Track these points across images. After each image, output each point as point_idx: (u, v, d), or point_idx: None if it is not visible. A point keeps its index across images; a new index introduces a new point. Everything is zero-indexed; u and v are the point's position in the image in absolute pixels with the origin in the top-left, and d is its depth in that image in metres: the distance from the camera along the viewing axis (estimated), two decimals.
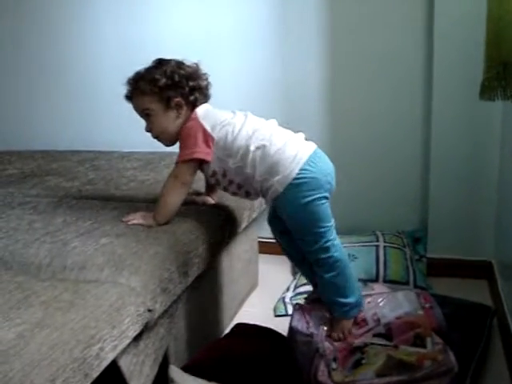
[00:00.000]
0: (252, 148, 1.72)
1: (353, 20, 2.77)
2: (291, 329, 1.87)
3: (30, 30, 3.33)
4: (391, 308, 1.84)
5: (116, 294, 1.39)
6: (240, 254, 2.39)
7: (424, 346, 1.68)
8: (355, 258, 2.49)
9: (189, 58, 1.88)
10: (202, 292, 2.00)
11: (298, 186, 1.69)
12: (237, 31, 2.94)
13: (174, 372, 1.57)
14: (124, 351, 1.38)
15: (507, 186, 2.27)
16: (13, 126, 3.49)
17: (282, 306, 2.40)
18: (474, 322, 2.05)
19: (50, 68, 3.34)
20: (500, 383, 1.86)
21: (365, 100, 2.82)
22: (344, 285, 1.78)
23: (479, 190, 2.54)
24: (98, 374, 1.21)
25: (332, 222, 1.77)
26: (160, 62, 1.85)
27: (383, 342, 1.73)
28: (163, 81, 1.79)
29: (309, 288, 2.24)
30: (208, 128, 1.77)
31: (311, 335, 1.76)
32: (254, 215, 2.35)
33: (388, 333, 1.76)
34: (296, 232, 1.80)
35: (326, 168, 1.76)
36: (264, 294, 2.59)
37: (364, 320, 1.82)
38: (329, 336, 1.77)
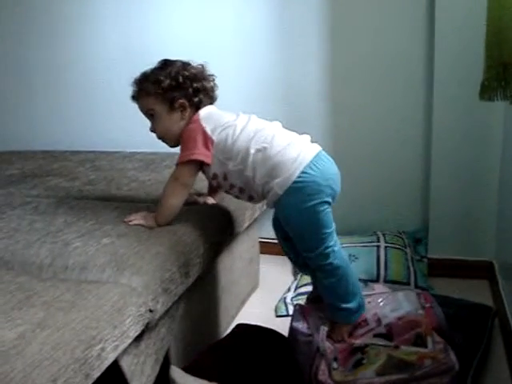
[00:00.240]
0: (252, 150, 1.71)
1: (354, 22, 2.77)
2: (292, 329, 1.87)
3: (31, 30, 3.33)
4: (392, 308, 1.85)
5: (117, 294, 1.39)
6: (241, 254, 2.39)
7: (425, 346, 1.68)
8: (356, 258, 2.49)
9: (188, 59, 1.88)
10: (203, 292, 2.00)
11: (298, 190, 1.67)
12: (238, 32, 2.94)
13: (175, 372, 1.57)
14: (125, 351, 1.38)
15: (508, 186, 2.27)
16: (13, 127, 3.49)
17: (283, 307, 2.40)
18: (475, 323, 2.05)
19: (51, 68, 3.34)
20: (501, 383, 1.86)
21: (366, 101, 2.81)
22: (345, 290, 1.76)
23: (480, 191, 2.54)
24: (99, 374, 1.22)
25: (333, 228, 1.74)
26: (165, 63, 1.85)
27: (384, 342, 1.73)
28: (167, 82, 1.78)
29: (309, 288, 2.24)
30: (208, 130, 1.76)
31: (312, 335, 1.76)
32: (255, 215, 2.35)
33: (389, 333, 1.76)
34: (295, 237, 1.78)
35: (329, 172, 1.72)
36: (265, 294, 2.58)
37: (365, 320, 1.81)
38: (329, 336, 1.77)
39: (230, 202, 2.10)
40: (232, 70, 2.91)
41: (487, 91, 1.59)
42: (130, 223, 1.82)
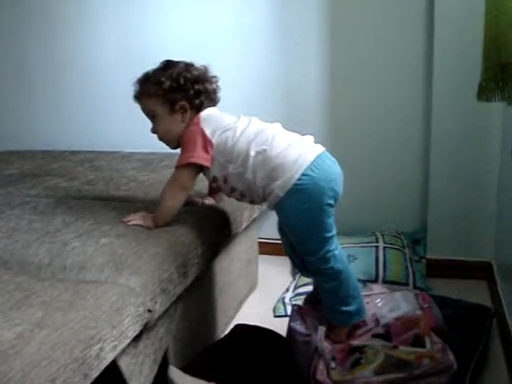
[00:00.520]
0: (252, 153, 1.69)
1: (354, 22, 2.78)
2: (290, 329, 1.87)
3: (30, 30, 3.33)
4: (390, 308, 1.85)
5: (116, 294, 1.39)
6: (240, 254, 2.39)
7: (423, 346, 1.68)
8: (355, 258, 2.49)
9: (187, 59, 1.87)
10: (202, 293, 2.00)
11: (299, 192, 1.65)
12: (237, 32, 2.94)
13: (174, 372, 1.58)
14: (123, 351, 1.38)
15: (507, 187, 2.27)
16: (12, 126, 3.49)
17: (281, 307, 2.40)
18: (474, 323, 2.05)
19: (50, 68, 3.34)
20: None
21: (365, 101, 2.82)
22: (345, 294, 1.75)
23: (479, 192, 2.55)
24: (97, 374, 1.21)
25: (334, 232, 1.73)
26: (167, 64, 1.84)
27: (382, 342, 1.73)
28: (168, 83, 1.78)
29: (308, 289, 2.24)
30: (208, 133, 1.75)
31: (310, 335, 1.76)
32: (253, 216, 2.35)
33: (387, 333, 1.76)
34: (296, 240, 1.77)
35: (330, 173, 1.70)
36: (263, 294, 2.59)
37: (363, 321, 1.81)
38: (327, 336, 1.77)
39: (228, 202, 2.10)
40: (232, 70, 2.90)
41: (485, 92, 1.59)
42: (129, 223, 1.81)
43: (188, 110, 1.81)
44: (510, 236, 2.16)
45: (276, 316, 2.37)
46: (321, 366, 1.67)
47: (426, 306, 1.85)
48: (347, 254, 2.44)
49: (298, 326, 1.83)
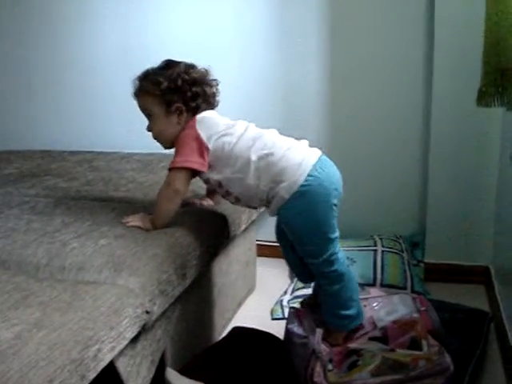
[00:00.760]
0: (254, 158, 1.69)
1: (354, 22, 2.78)
2: (287, 331, 1.87)
3: (30, 30, 3.33)
4: (387, 312, 1.85)
5: (114, 295, 1.39)
6: (238, 256, 2.39)
7: (420, 349, 1.68)
8: (353, 261, 2.49)
9: (187, 59, 1.87)
10: (200, 294, 2.00)
11: (305, 193, 1.65)
12: (237, 32, 2.94)
13: (171, 374, 1.58)
14: (121, 353, 1.38)
15: (506, 191, 2.27)
16: (12, 126, 3.49)
17: (279, 309, 2.40)
18: (472, 328, 2.05)
19: (50, 68, 3.33)
20: None
21: (365, 102, 2.82)
22: (347, 297, 1.76)
23: (477, 196, 2.55)
24: (95, 375, 1.21)
25: (338, 234, 1.74)
26: (168, 64, 1.84)
27: (379, 345, 1.74)
28: (165, 84, 1.77)
29: (306, 292, 2.24)
30: (204, 137, 1.74)
31: (307, 337, 1.76)
32: (252, 218, 2.35)
33: (384, 336, 1.77)
34: (300, 243, 1.76)
35: (332, 174, 1.72)
36: (261, 296, 2.58)
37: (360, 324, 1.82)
38: (325, 339, 1.77)
39: (227, 204, 2.09)
40: (232, 70, 2.91)
41: (484, 97, 1.59)
42: (128, 224, 1.81)
43: (184, 112, 1.80)
44: (508, 240, 2.17)
45: (274, 318, 2.37)
46: (318, 368, 1.67)
47: (423, 309, 1.86)
48: (346, 256, 2.45)
49: (296, 328, 1.83)
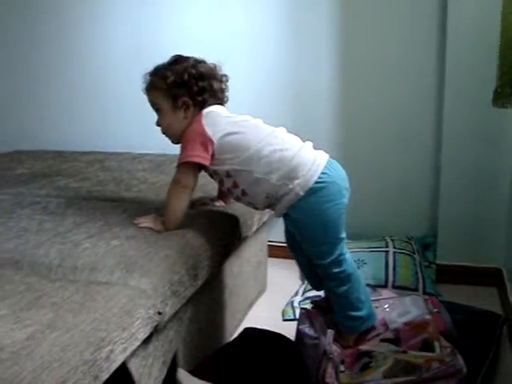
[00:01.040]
0: (265, 152, 1.68)
1: (365, 23, 2.78)
2: (298, 332, 1.87)
3: (43, 32, 3.35)
4: (399, 313, 1.84)
5: (126, 296, 1.39)
6: (249, 257, 2.39)
7: (432, 351, 1.67)
8: (364, 263, 2.48)
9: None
10: (211, 295, 2.00)
11: (319, 190, 1.65)
12: (249, 33, 2.95)
13: (182, 375, 1.58)
14: (133, 354, 1.38)
15: None
16: (24, 126, 3.51)
17: (290, 310, 2.40)
18: (484, 330, 2.04)
19: (63, 69, 3.35)
20: None
21: (375, 104, 2.82)
22: (356, 298, 1.75)
23: (490, 197, 2.54)
24: (107, 376, 1.21)
25: (345, 235, 1.74)
26: (176, 59, 1.84)
27: (391, 347, 1.73)
28: (171, 78, 1.77)
29: (317, 293, 2.24)
30: (209, 131, 1.74)
31: (318, 338, 1.75)
32: (264, 219, 2.35)
33: (396, 338, 1.76)
34: (310, 243, 1.74)
35: (342, 174, 1.74)
36: (272, 297, 2.58)
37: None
38: (336, 340, 1.76)
39: (238, 205, 2.09)
40: (243, 70, 2.91)
41: (500, 98, 1.59)
42: (140, 225, 1.81)
43: (191, 106, 1.80)
44: None
45: (285, 320, 2.36)
46: (330, 369, 1.66)
47: (435, 310, 1.85)
48: (357, 258, 2.45)
49: (307, 329, 1.83)
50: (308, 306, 2.21)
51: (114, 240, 1.69)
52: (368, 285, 2.01)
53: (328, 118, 2.90)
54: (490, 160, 2.50)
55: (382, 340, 1.78)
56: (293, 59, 2.90)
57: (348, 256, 1.74)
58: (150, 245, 1.66)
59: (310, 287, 2.47)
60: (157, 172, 2.64)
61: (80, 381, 1.11)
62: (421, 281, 2.43)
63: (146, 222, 1.83)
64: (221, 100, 1.88)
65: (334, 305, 1.82)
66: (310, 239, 1.74)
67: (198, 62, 1.84)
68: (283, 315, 2.40)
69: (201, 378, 1.59)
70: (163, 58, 1.88)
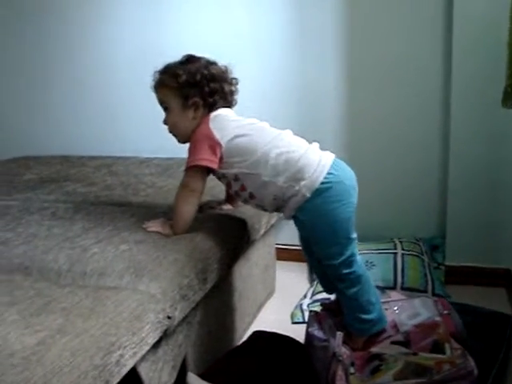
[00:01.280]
0: (272, 155, 1.69)
1: (371, 23, 2.77)
2: (308, 334, 1.87)
3: (49, 34, 3.35)
4: (409, 315, 1.84)
5: (136, 300, 1.40)
6: (258, 260, 2.39)
7: (443, 353, 1.67)
8: (373, 265, 2.48)
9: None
10: (220, 298, 2.00)
11: (325, 191, 1.65)
12: (254, 35, 2.95)
13: (192, 379, 1.57)
14: (143, 358, 1.38)
15: None
16: (31, 132, 3.51)
17: (299, 313, 2.40)
18: (494, 331, 2.03)
19: (69, 73, 3.36)
20: None
21: (382, 104, 2.81)
22: (367, 300, 1.74)
23: (498, 198, 2.53)
24: (118, 380, 1.22)
25: (355, 236, 1.73)
26: (188, 59, 1.84)
27: (401, 349, 1.72)
28: (183, 78, 1.77)
29: (326, 295, 2.23)
30: (217, 134, 1.74)
31: (328, 340, 1.75)
32: (272, 222, 2.35)
33: (406, 340, 1.75)
34: (320, 244, 1.74)
35: (349, 174, 1.73)
36: (281, 300, 2.58)
37: None
38: (345, 342, 1.76)
39: (246, 208, 2.09)
40: (248, 72, 2.86)
41: (510, 98, 1.58)
42: (148, 229, 1.81)
43: (200, 107, 1.80)
44: None
45: (294, 322, 2.36)
46: (340, 372, 1.66)
47: (445, 312, 1.84)
48: (365, 260, 2.44)
49: (316, 332, 1.82)
50: (317, 308, 2.20)
51: (122, 245, 1.69)
52: (377, 287, 2.00)
53: (334, 119, 2.89)
54: (499, 161, 2.49)
55: (393, 342, 1.77)
56: (298, 61, 2.90)
57: (358, 258, 1.74)
58: (158, 249, 1.66)
59: (318, 290, 2.47)
60: (164, 176, 2.64)
61: None
62: (430, 282, 2.43)
63: (154, 226, 1.83)
64: (230, 103, 1.88)
65: (343, 307, 1.81)
66: (319, 241, 1.74)
67: (210, 64, 1.84)
68: (292, 318, 2.39)
69: (211, 381, 1.59)
70: (169, 59, 1.88)
